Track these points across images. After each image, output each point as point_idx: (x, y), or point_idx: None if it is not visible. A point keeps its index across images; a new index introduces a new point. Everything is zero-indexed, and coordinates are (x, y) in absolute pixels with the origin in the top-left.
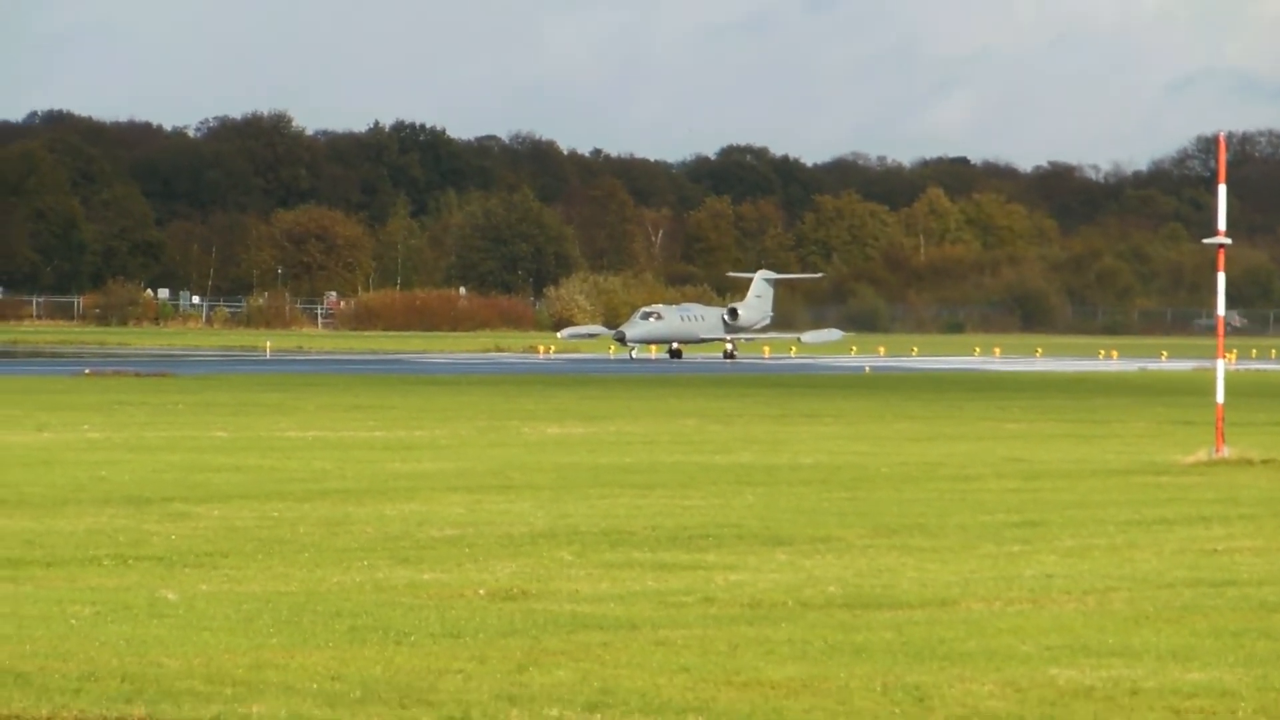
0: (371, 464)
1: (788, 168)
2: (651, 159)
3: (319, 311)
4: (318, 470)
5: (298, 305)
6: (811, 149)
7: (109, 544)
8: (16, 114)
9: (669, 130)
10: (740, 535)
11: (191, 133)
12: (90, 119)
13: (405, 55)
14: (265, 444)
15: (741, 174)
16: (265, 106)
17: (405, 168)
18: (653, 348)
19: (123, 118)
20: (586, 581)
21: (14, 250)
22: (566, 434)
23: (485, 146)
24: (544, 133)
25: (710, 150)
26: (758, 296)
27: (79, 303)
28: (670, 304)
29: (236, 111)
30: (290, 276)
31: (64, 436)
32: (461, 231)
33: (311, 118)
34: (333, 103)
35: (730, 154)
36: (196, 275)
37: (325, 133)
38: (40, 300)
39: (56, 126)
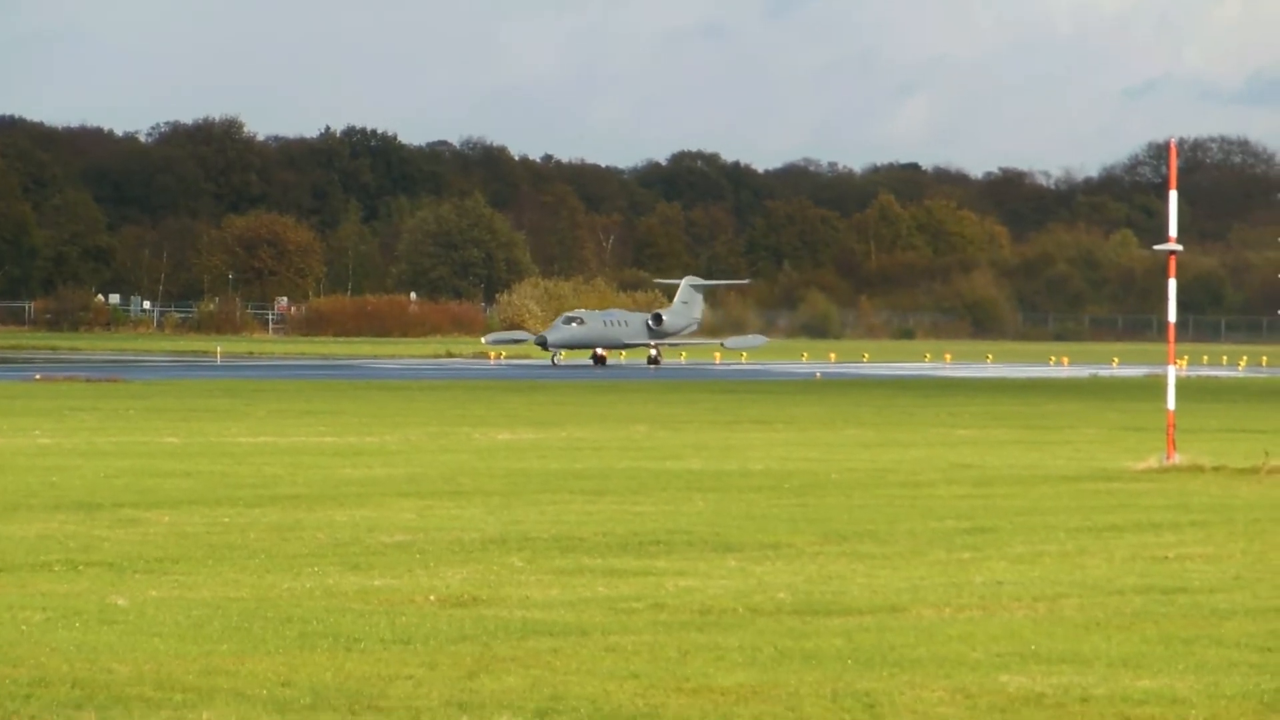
0: (322, 469)
1: (739, 174)
2: (603, 165)
3: (270, 317)
4: (268, 476)
5: (249, 310)
6: (763, 155)
7: (59, 549)
8: None
9: (621, 136)
10: (690, 542)
11: (143, 138)
12: (41, 124)
13: (357, 61)
14: (216, 449)
15: (692, 180)
16: (216, 112)
17: (356, 173)
18: (574, 353)
19: (74, 123)
20: (537, 588)
21: None
22: (517, 439)
23: (437, 152)
24: (496, 138)
25: (661, 156)
26: (684, 303)
27: (30, 308)
28: (619, 309)
29: (188, 116)
30: (241, 282)
31: (14, 441)
32: (413, 237)
33: (263, 123)
34: (284, 108)
35: (681, 160)
36: (147, 280)
37: (276, 138)
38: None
39: (7, 131)
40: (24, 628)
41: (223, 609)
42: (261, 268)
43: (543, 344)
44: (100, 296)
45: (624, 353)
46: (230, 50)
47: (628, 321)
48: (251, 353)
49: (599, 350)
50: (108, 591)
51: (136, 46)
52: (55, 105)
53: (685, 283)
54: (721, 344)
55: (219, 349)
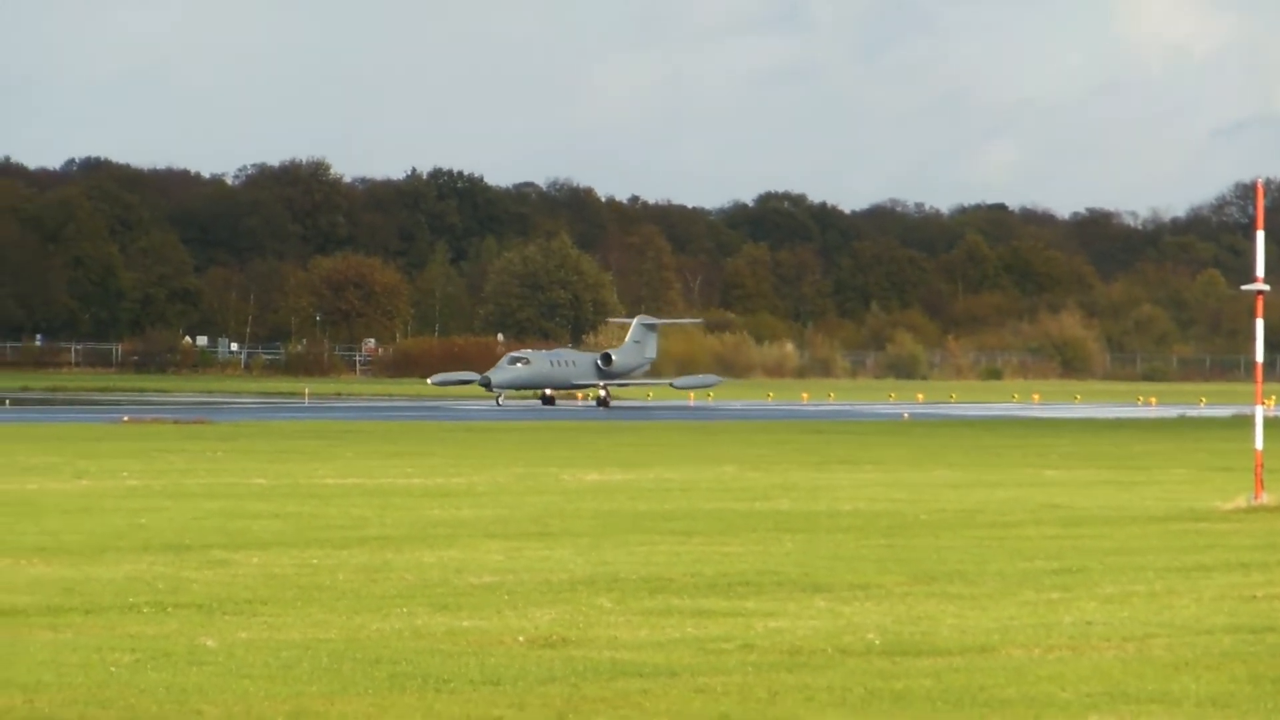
0: (410, 511)
1: (826, 214)
2: (690, 205)
3: (357, 358)
4: (357, 517)
5: (336, 352)
6: (850, 196)
7: (148, 591)
8: (55, 161)
9: (708, 177)
10: (779, 582)
11: (229, 180)
12: (128, 166)
13: (443, 102)
14: (304, 491)
15: (779, 220)
16: (303, 154)
17: (443, 215)
18: (523, 394)
19: (161, 165)
20: (626, 628)
21: (52, 298)
22: (605, 480)
23: (523, 193)
24: (582, 180)
25: (748, 197)
26: (636, 342)
27: (117, 350)
28: (567, 349)
29: (274, 158)
30: (328, 323)
31: (103, 484)
32: (499, 278)
33: (349, 165)
34: (370, 150)
35: (768, 200)
36: (234, 322)
37: (363, 180)
38: (79, 347)
39: (94, 173)
40: (113, 669)
41: (312, 650)
42: (349, 309)
43: (486, 385)
44: (187, 338)
45: (581, 394)
46: (317, 93)
47: (575, 361)
48: (339, 394)
49: (547, 391)
50: (197, 633)
51: (224, 89)
52: (142, 147)
53: (637, 322)
54: (670, 384)
55: (307, 390)
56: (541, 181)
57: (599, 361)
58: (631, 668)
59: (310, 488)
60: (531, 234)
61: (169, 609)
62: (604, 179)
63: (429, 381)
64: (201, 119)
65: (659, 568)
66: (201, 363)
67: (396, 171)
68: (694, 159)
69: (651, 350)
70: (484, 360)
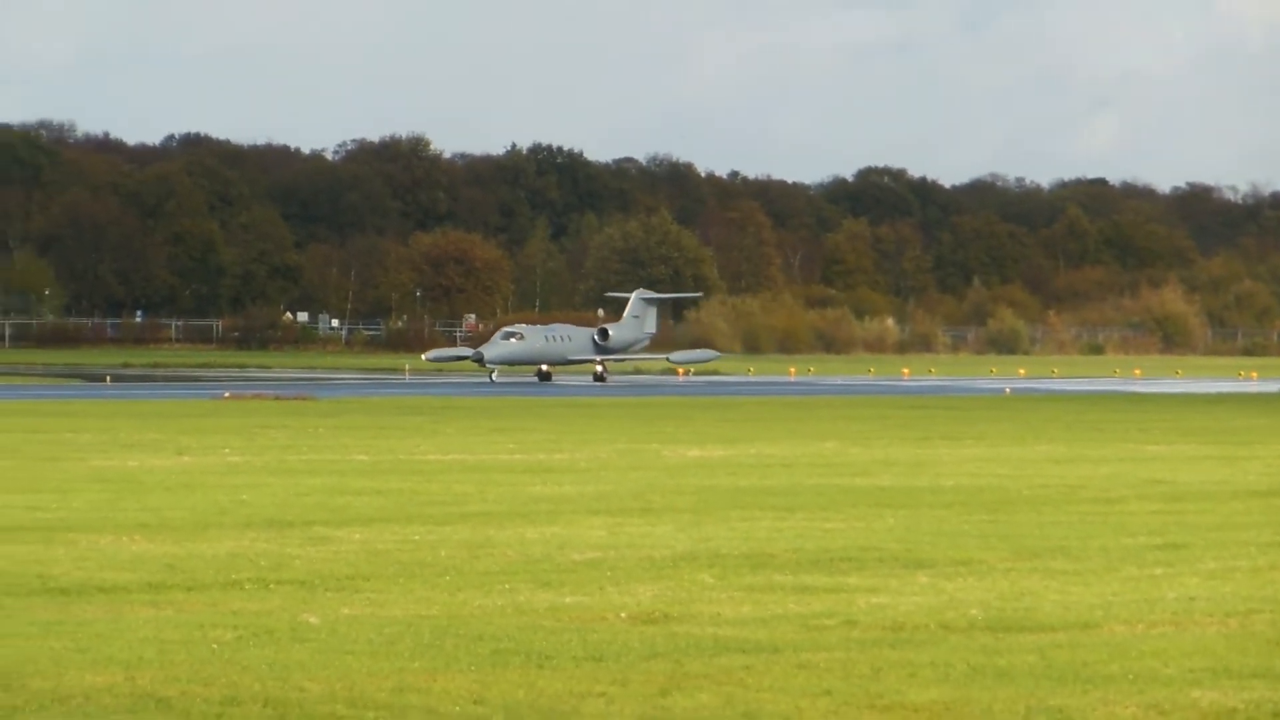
0: (512, 487)
1: (926, 189)
2: (789, 181)
3: (458, 334)
4: (458, 493)
5: (437, 328)
6: (950, 171)
7: (250, 568)
8: (154, 137)
9: (808, 152)
10: (881, 558)
11: (329, 155)
12: (228, 142)
13: (543, 77)
14: (406, 467)
15: (879, 195)
16: (403, 129)
17: (543, 190)
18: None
19: (260, 140)
20: (728, 604)
21: (153, 274)
22: (706, 456)
23: (623, 169)
24: (682, 155)
25: (848, 172)
26: (635, 316)
27: (218, 326)
28: (564, 324)
29: (374, 134)
30: (429, 299)
31: (204, 460)
32: (600, 254)
33: (449, 140)
34: (470, 125)
35: (868, 175)
36: (335, 298)
37: (463, 155)
38: (179, 324)
39: (194, 150)
40: (215, 646)
41: (414, 626)
42: (449, 285)
43: (479, 360)
44: (288, 314)
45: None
46: (416, 68)
47: (571, 336)
48: (440, 370)
49: (544, 367)
50: (299, 609)
51: (323, 64)
52: (242, 123)
53: (636, 296)
54: (667, 358)
55: (407, 366)
56: (641, 157)
57: (596, 337)
58: (734, 644)
59: (412, 464)
60: (631, 209)
61: (271, 586)
62: (704, 154)
63: (423, 358)
64: (302, 94)
65: (760, 544)
66: (302, 339)
67: (496, 147)
68: (794, 133)
69: (651, 325)
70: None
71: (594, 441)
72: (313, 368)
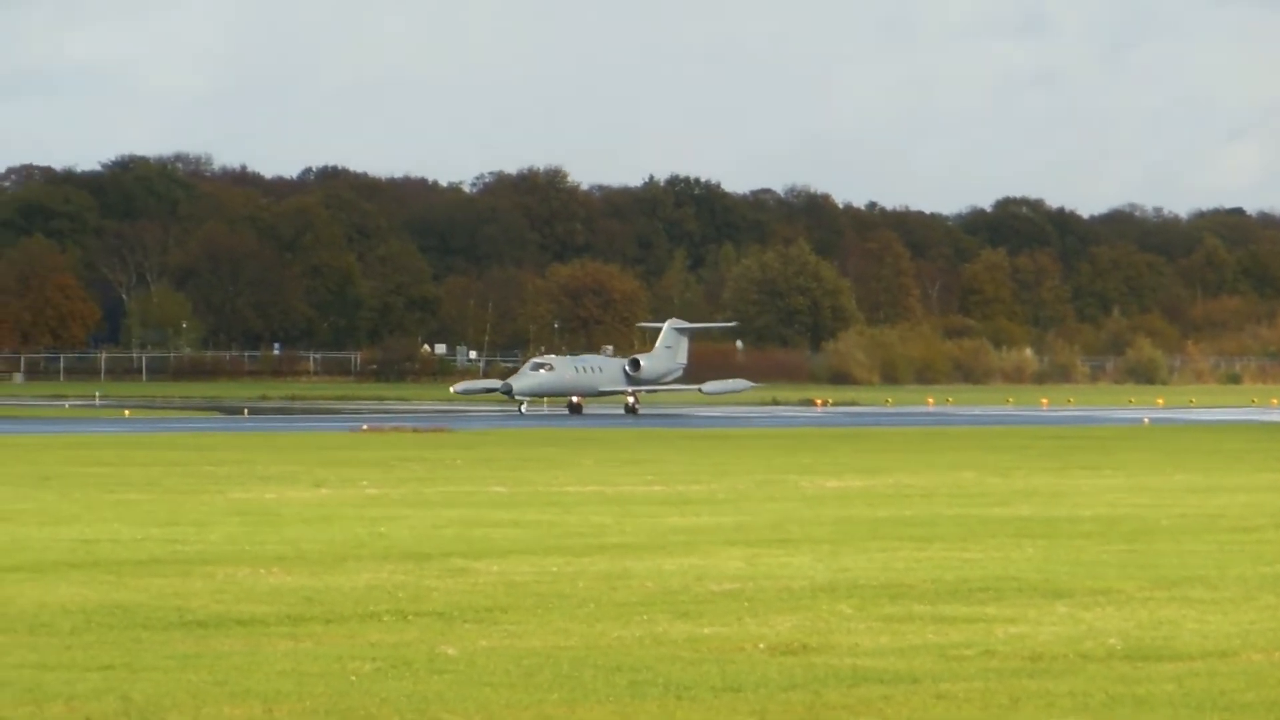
0: (650, 518)
1: (1064, 219)
2: (927, 211)
3: None
4: (596, 525)
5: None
6: (1088, 201)
7: (388, 600)
8: (291, 170)
9: (946, 182)
10: (1020, 588)
11: (467, 188)
12: (365, 175)
13: (680, 110)
14: (544, 499)
15: (1018, 226)
16: (541, 161)
17: (681, 221)
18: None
19: (398, 173)
20: (866, 635)
21: (290, 307)
22: (845, 487)
23: (761, 200)
24: (819, 186)
25: (986, 202)
26: (667, 347)
27: (356, 358)
28: (594, 355)
29: (512, 167)
30: (566, 330)
31: (342, 492)
32: (738, 285)
33: (586, 172)
34: (608, 157)
35: (1006, 206)
36: (473, 330)
37: (600, 187)
38: (317, 356)
39: (332, 182)
40: (354, 678)
41: (552, 658)
42: (587, 316)
43: (508, 393)
44: (426, 347)
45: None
46: (554, 100)
47: (602, 368)
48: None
49: (574, 398)
50: (437, 641)
51: (461, 97)
52: (379, 156)
53: (668, 326)
54: (699, 389)
55: (545, 399)
56: (779, 188)
57: (627, 367)
58: (873, 674)
59: (550, 495)
60: (769, 240)
61: (409, 617)
62: (842, 185)
63: (452, 390)
64: (440, 127)
65: (899, 574)
66: (440, 371)
67: (634, 179)
68: (932, 164)
69: (683, 355)
70: (723, 369)
71: (732, 473)
72: (450, 400)
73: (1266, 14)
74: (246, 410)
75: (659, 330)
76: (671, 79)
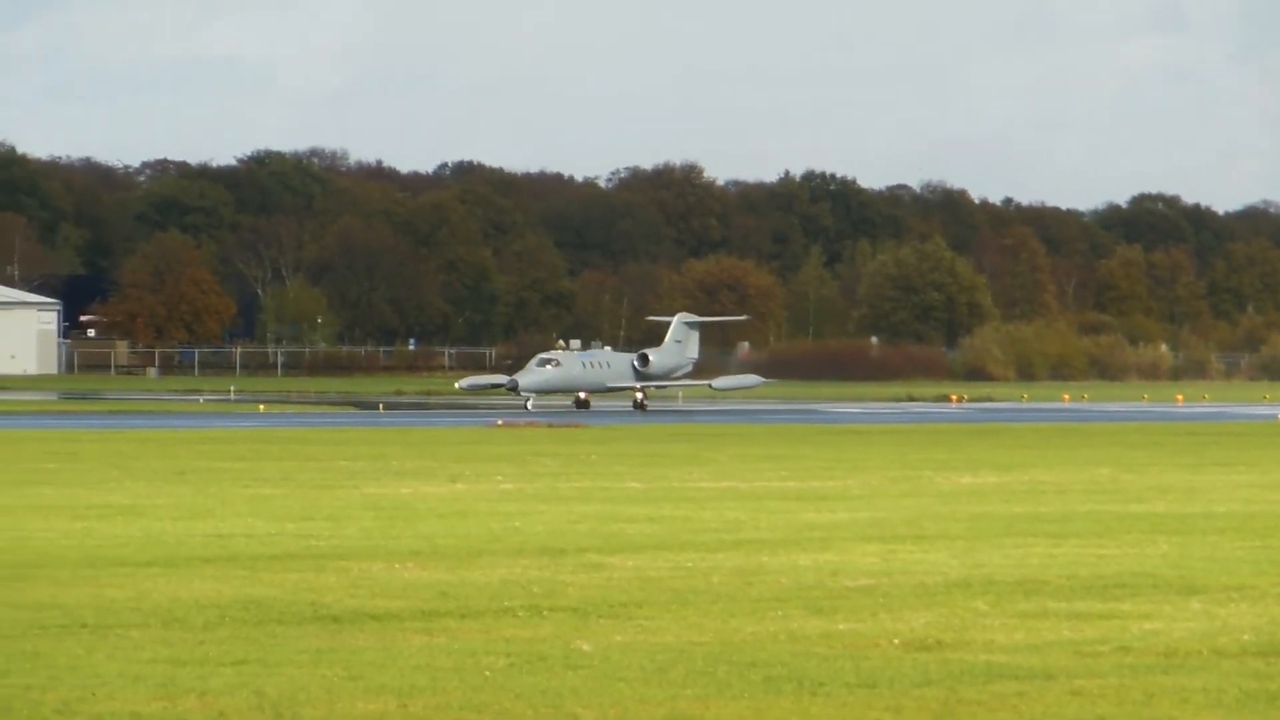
0: (784, 514)
1: (1199, 216)
2: (1063, 207)
3: (730, 361)
4: (731, 520)
5: (710, 355)
6: (1223, 197)
7: (523, 595)
8: (427, 165)
9: (1082, 178)
10: (1155, 584)
11: (602, 183)
12: (501, 170)
13: (816, 104)
14: (678, 494)
15: (1153, 222)
16: (676, 157)
17: (816, 217)
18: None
19: (533, 169)
20: (1001, 631)
21: (426, 302)
22: (979, 483)
23: (896, 195)
24: (955, 181)
25: (1122, 198)
26: (677, 341)
27: (491, 354)
28: (604, 349)
29: (647, 162)
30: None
31: (477, 487)
32: (873, 281)
33: (722, 168)
34: (743, 152)
35: (1142, 202)
36: (608, 326)
37: (736, 182)
38: (452, 351)
39: (467, 177)
40: (488, 673)
41: (687, 653)
42: (722, 312)
43: (513, 388)
44: (561, 342)
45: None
46: (689, 95)
47: (610, 363)
48: (713, 398)
49: (581, 394)
50: (571, 637)
51: (596, 92)
52: (515, 151)
53: (678, 320)
54: (709, 384)
55: (680, 394)
56: (915, 183)
57: (636, 363)
58: (1007, 670)
59: (684, 491)
60: (905, 236)
61: (544, 613)
62: (977, 180)
63: (457, 386)
64: (574, 122)
65: (1033, 570)
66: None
67: (770, 174)
68: (1068, 160)
69: (693, 350)
70: (857, 364)
71: (867, 468)
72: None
73: None
74: (382, 405)
75: (668, 323)
76: (807, 74)
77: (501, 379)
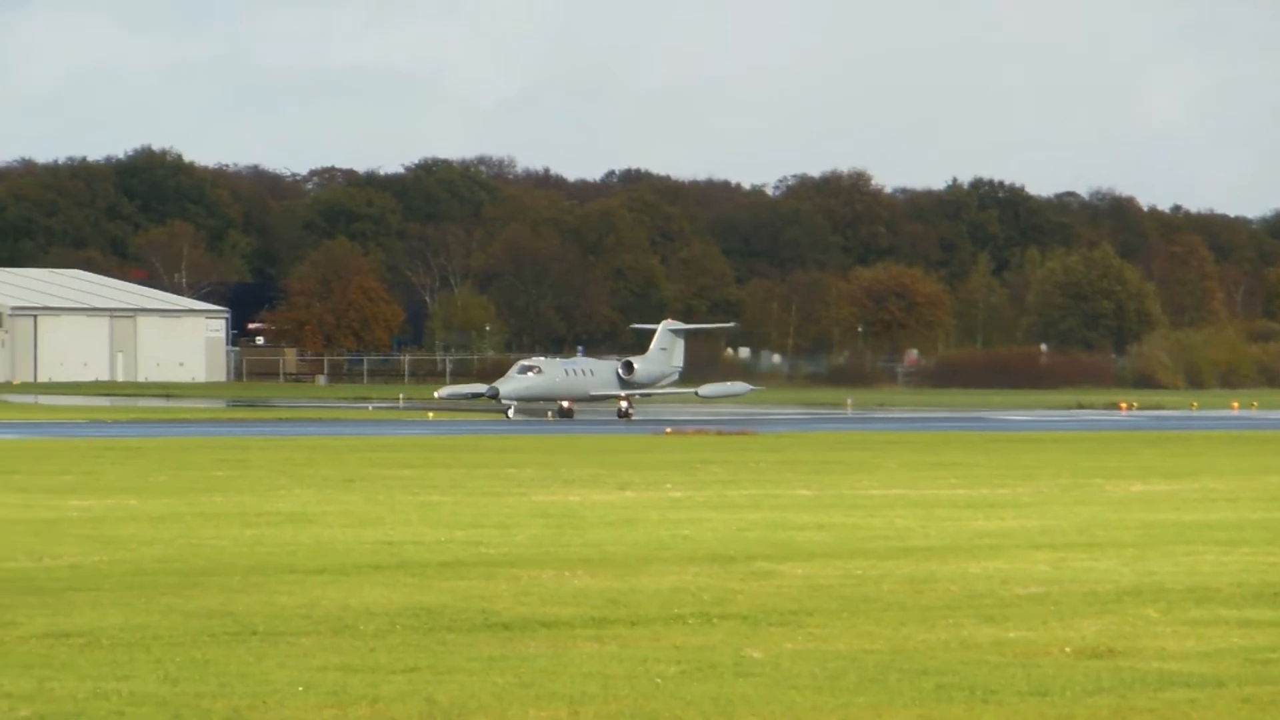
0: (954, 522)
1: None
2: (1231, 215)
3: (899, 369)
4: (901, 528)
5: (878, 362)
6: None
7: (693, 602)
8: (594, 173)
9: (1251, 186)
10: None
11: (770, 191)
12: (668, 178)
13: (983, 112)
14: (848, 502)
15: None
16: (844, 164)
17: (984, 224)
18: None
19: (700, 176)
20: (1172, 639)
21: (593, 309)
22: (1150, 491)
23: (1064, 203)
24: (1123, 189)
25: None
26: (662, 349)
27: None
28: (586, 358)
29: (815, 170)
30: (870, 334)
31: (646, 495)
32: (1042, 288)
33: (890, 175)
34: (911, 160)
35: None
36: (776, 333)
37: (904, 190)
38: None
39: (635, 185)
40: (658, 681)
41: (858, 661)
42: (890, 319)
43: (494, 396)
44: (730, 350)
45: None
46: (857, 103)
47: (594, 370)
48: (881, 404)
49: (564, 403)
50: (742, 644)
51: (763, 101)
52: (682, 159)
53: (663, 327)
54: (696, 392)
55: (849, 401)
56: (1083, 191)
57: (620, 370)
58: (1178, 678)
59: (854, 499)
60: (1073, 244)
61: (714, 620)
62: (1145, 188)
63: (435, 395)
64: (742, 130)
65: (1204, 578)
66: (743, 374)
67: (937, 181)
68: (1236, 167)
69: (678, 358)
70: (1026, 372)
71: (1037, 476)
72: (753, 403)
73: None
74: (550, 413)
75: (652, 331)
76: (974, 81)
77: (482, 388)
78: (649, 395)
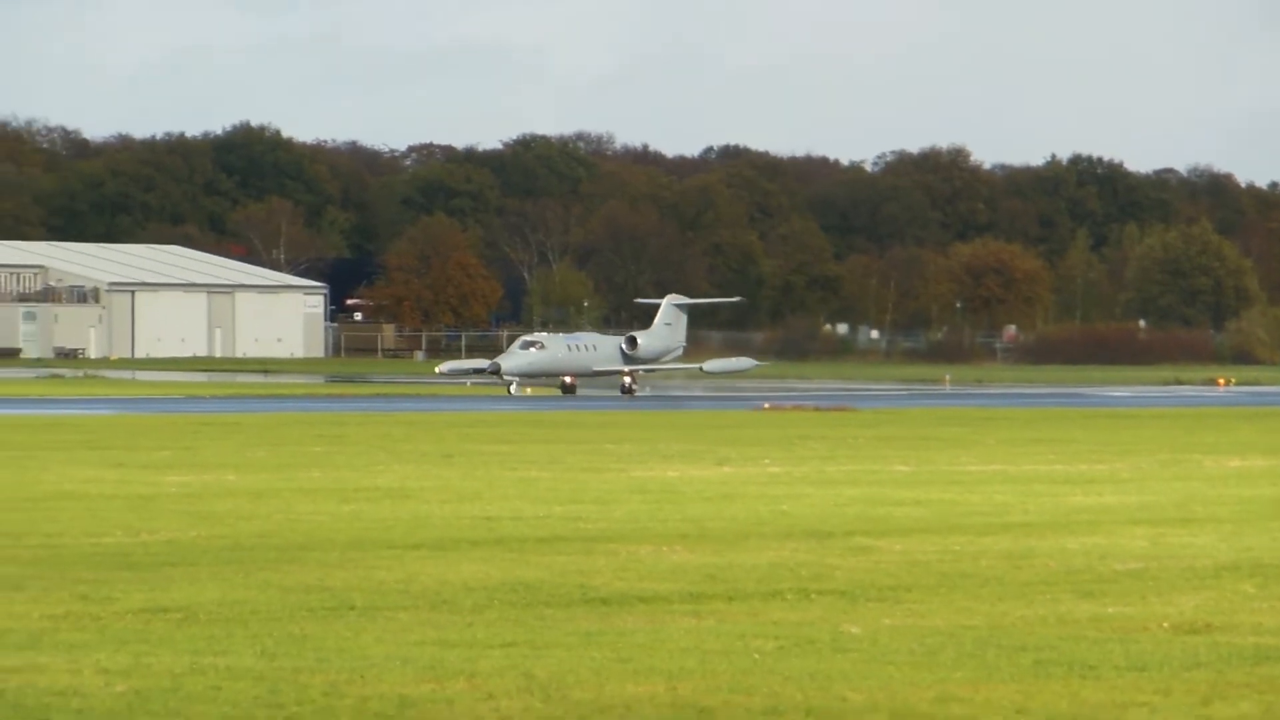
0: (1052, 497)
1: None
2: None
3: (997, 345)
4: (999, 504)
5: (976, 338)
6: None
7: (791, 578)
8: (693, 149)
9: None
10: None
11: (868, 166)
12: (766, 154)
13: (1083, 88)
14: (946, 478)
15: None
16: (943, 140)
17: (1083, 201)
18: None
19: (799, 152)
20: (1270, 614)
21: (692, 285)
22: (1248, 467)
23: (1163, 179)
24: (1222, 165)
25: None
26: (666, 324)
27: (757, 337)
28: (589, 333)
29: (914, 145)
30: (969, 310)
31: (744, 471)
32: (1140, 265)
33: (988, 151)
34: (1010, 136)
35: None
36: (874, 309)
37: (1003, 166)
38: (719, 335)
39: (733, 161)
40: (756, 656)
41: (956, 637)
42: (989, 296)
43: (496, 372)
44: (828, 326)
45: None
46: (956, 79)
47: (597, 346)
48: (980, 380)
49: (567, 379)
50: (840, 620)
51: (862, 76)
52: (780, 135)
53: (667, 302)
54: (701, 367)
55: (947, 377)
56: (1182, 167)
57: (624, 346)
58: (1275, 653)
59: (952, 475)
60: (1172, 220)
61: (812, 596)
62: (1244, 164)
63: (436, 371)
64: (840, 107)
65: None
66: (841, 350)
67: (1036, 157)
68: None
69: (683, 334)
70: (1125, 348)
71: (1135, 452)
72: (851, 379)
73: None
74: (649, 388)
75: (656, 306)
76: (1073, 57)
77: (483, 363)
78: (653, 370)
